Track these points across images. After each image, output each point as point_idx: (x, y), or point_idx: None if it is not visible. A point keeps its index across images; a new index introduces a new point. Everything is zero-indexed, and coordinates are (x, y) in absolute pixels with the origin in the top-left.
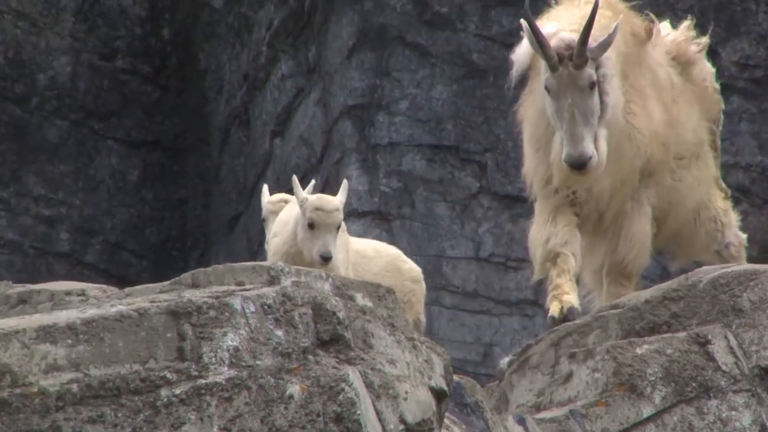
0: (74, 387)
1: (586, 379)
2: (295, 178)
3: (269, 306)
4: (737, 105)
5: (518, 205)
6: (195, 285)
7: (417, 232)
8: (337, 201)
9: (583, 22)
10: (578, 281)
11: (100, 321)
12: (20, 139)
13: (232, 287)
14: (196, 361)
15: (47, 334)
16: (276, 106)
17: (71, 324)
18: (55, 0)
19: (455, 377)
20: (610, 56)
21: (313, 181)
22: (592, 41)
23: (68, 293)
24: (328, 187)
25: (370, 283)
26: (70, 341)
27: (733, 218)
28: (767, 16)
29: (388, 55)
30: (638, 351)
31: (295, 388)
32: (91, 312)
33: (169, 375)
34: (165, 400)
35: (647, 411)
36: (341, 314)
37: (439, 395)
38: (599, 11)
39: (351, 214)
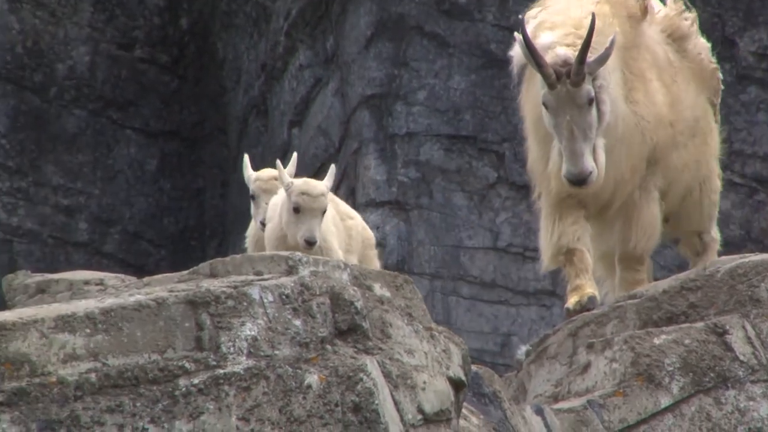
0: (93, 376)
1: (603, 369)
2: (279, 162)
3: (287, 296)
4: (755, 95)
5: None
6: (213, 275)
7: (435, 222)
8: (322, 186)
9: (579, 31)
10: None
11: (118, 310)
12: (39, 129)
13: (251, 277)
14: (215, 351)
15: (66, 323)
16: (294, 96)
17: (90, 313)
18: None
19: (473, 367)
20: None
21: (333, 167)
22: (589, 54)
23: (87, 283)
24: (346, 177)
25: (389, 273)
26: (88, 331)
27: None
28: None
29: (406, 45)
30: (656, 341)
31: (313, 378)
32: (109, 301)
33: (187, 365)
34: (183, 389)
35: (665, 401)
36: (359, 304)
37: (457, 385)
38: (596, 6)
39: (369, 203)
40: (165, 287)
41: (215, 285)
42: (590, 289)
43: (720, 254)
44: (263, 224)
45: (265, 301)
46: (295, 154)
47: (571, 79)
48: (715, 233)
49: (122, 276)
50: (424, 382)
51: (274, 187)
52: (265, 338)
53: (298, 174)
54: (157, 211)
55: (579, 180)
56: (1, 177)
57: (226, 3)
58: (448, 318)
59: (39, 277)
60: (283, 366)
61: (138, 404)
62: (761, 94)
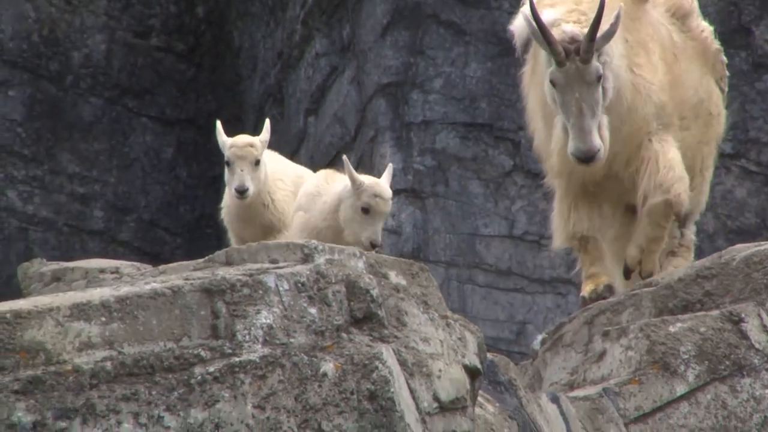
0: (108, 365)
1: (619, 357)
2: (346, 159)
3: (303, 284)
4: None
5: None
6: (229, 263)
7: (451, 210)
8: (390, 190)
9: (580, 7)
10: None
11: (133, 299)
12: (55, 117)
13: (266, 265)
14: (230, 339)
15: (81, 311)
16: (310, 84)
17: (105, 302)
18: None
19: (489, 355)
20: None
21: (390, 166)
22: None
23: (102, 271)
24: (362, 165)
25: (404, 261)
26: (104, 319)
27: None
28: None
29: (423, 33)
30: (671, 329)
31: (328, 366)
32: (125, 290)
33: (202, 353)
34: (199, 377)
35: (680, 389)
36: (375, 292)
37: (472, 373)
38: None
39: None
40: (180, 275)
41: (231, 273)
42: (606, 277)
43: (735, 242)
44: (238, 192)
45: (281, 289)
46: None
47: (581, 56)
48: (692, 233)
49: (138, 264)
50: (440, 370)
51: (249, 154)
52: (281, 326)
53: (314, 162)
54: (173, 199)
55: (587, 157)
56: (16, 165)
57: None
58: (463, 306)
59: (54, 266)
60: (299, 354)
61: (153, 392)
62: None
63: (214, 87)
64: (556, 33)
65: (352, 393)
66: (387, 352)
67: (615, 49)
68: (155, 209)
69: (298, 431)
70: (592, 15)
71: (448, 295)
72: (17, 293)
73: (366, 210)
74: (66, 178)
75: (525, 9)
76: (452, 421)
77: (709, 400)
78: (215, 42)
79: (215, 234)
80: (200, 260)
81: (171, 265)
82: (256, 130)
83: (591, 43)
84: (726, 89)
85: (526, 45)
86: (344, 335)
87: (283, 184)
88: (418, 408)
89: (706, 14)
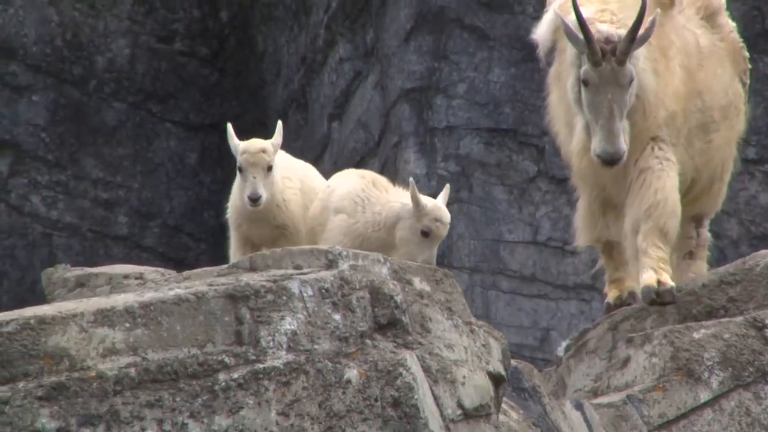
0: (132, 371)
1: (643, 363)
2: (412, 182)
3: (327, 290)
4: None
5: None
6: (253, 269)
7: (475, 215)
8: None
9: (610, 6)
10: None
11: (158, 304)
12: (78, 122)
13: (290, 271)
14: (254, 345)
15: (105, 317)
16: (334, 89)
17: (129, 307)
18: None
19: (513, 362)
20: None
21: (447, 186)
22: (619, 30)
23: (126, 277)
24: (386, 170)
25: (428, 267)
26: (128, 325)
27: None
28: None
29: (446, 38)
30: (695, 335)
31: (352, 373)
32: (149, 295)
33: (227, 359)
34: (223, 384)
35: (704, 396)
36: (399, 298)
37: (496, 380)
38: None
39: None
40: (205, 281)
41: (255, 279)
42: (630, 282)
43: (759, 248)
44: (251, 200)
45: (305, 295)
46: (279, 123)
47: (617, 57)
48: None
49: (162, 270)
50: (464, 377)
51: (262, 161)
52: (305, 332)
53: (338, 167)
54: (197, 205)
55: (614, 159)
56: (40, 170)
57: None
58: (487, 312)
59: (78, 271)
60: (323, 360)
61: (177, 399)
62: None
63: (237, 92)
64: (599, 36)
65: (376, 400)
66: (411, 359)
67: (641, 52)
68: (179, 215)
69: None
70: (622, 15)
71: (472, 301)
72: (41, 299)
73: (426, 233)
74: (90, 183)
75: (556, 8)
76: (476, 428)
77: (733, 407)
78: (239, 47)
79: None
80: (224, 266)
81: (195, 270)
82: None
83: (629, 45)
84: (748, 82)
85: (551, 52)
86: (368, 342)
87: (291, 182)
88: (442, 415)
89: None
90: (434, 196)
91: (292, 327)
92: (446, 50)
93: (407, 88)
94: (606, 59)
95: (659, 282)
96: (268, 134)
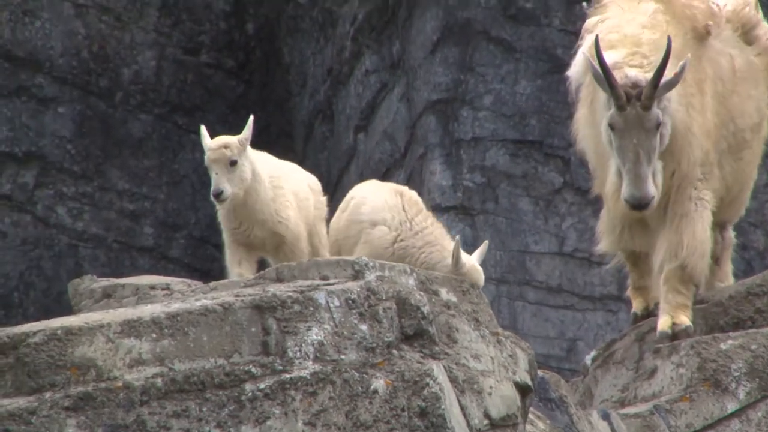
0: (159, 381)
1: (670, 374)
2: (457, 241)
3: (354, 300)
4: None
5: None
6: (279, 279)
7: (501, 227)
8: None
9: (641, 49)
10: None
11: (184, 315)
12: (105, 134)
13: (317, 281)
14: (281, 356)
15: (132, 328)
16: (360, 101)
17: (156, 318)
18: None
19: (539, 372)
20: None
21: (486, 243)
22: (647, 74)
23: (153, 287)
24: (412, 181)
25: (455, 278)
26: (154, 335)
27: None
28: None
29: (473, 50)
30: (722, 346)
31: (379, 383)
32: (175, 306)
33: (253, 369)
34: (250, 394)
35: (731, 406)
36: (426, 309)
37: (523, 390)
38: (654, 10)
39: (435, 208)
40: (231, 292)
41: (281, 290)
42: (656, 293)
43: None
44: (214, 196)
45: (332, 305)
46: (251, 118)
47: (642, 102)
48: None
49: (188, 281)
50: (491, 387)
51: (223, 156)
52: (332, 343)
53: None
54: None
55: (641, 204)
56: (66, 182)
57: (292, 8)
58: (514, 323)
59: (105, 282)
60: (350, 371)
61: (204, 409)
62: None
63: (263, 104)
64: (618, 76)
65: (402, 410)
66: (438, 369)
67: (674, 93)
68: (205, 226)
69: None
70: (653, 58)
71: (499, 312)
72: (68, 310)
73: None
74: (116, 194)
75: (585, 50)
76: None
77: (760, 418)
78: (265, 58)
79: None
80: (251, 277)
81: (222, 281)
82: (306, 147)
83: (653, 90)
84: None
85: (580, 89)
86: (395, 352)
87: (282, 190)
88: (468, 425)
89: None
90: (461, 207)
91: (319, 337)
92: (472, 62)
93: (433, 100)
94: (631, 104)
95: (674, 324)
96: (294, 146)
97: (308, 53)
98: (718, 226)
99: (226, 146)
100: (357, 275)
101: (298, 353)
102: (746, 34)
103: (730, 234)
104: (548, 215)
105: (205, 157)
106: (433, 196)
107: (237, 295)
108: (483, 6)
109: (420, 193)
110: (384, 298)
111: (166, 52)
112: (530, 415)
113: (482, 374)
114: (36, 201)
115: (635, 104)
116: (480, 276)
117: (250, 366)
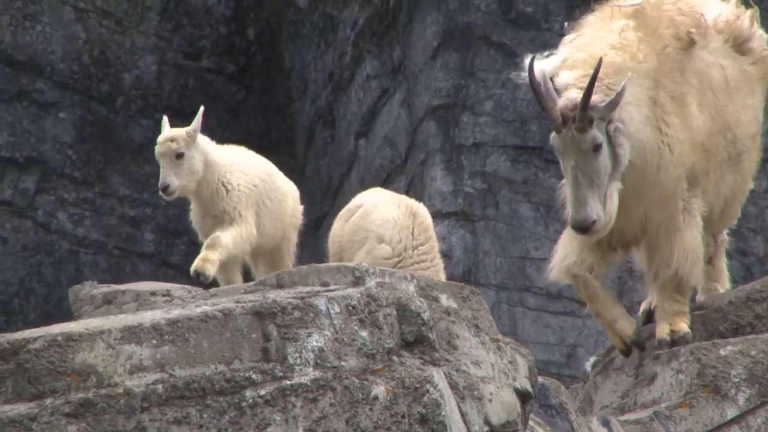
0: (159, 387)
1: (670, 380)
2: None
3: (354, 307)
4: None
5: None
6: (280, 285)
7: (501, 233)
8: None
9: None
10: None
11: (185, 321)
12: (105, 139)
13: (317, 288)
14: (281, 362)
15: (132, 334)
16: (361, 106)
17: (156, 324)
18: None
19: (540, 378)
20: (624, 100)
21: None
22: (594, 96)
23: (153, 294)
24: (413, 187)
25: (455, 284)
26: (155, 342)
27: None
28: None
29: (473, 54)
30: (722, 352)
31: (380, 389)
32: (176, 312)
33: (254, 376)
34: (250, 401)
35: (731, 412)
36: (426, 315)
37: (523, 396)
38: (631, 27)
39: (435, 214)
40: (231, 298)
41: (282, 296)
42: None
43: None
44: (161, 190)
45: (332, 312)
46: (201, 109)
47: (576, 124)
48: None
49: (189, 287)
50: (491, 394)
51: (169, 150)
52: (332, 349)
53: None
54: None
55: (582, 227)
56: (67, 187)
57: (293, 12)
58: (514, 329)
59: (105, 288)
60: (350, 377)
61: (205, 415)
62: None
63: (264, 109)
64: (562, 99)
65: (403, 416)
66: (438, 376)
67: (636, 113)
68: None
69: None
70: (609, 81)
71: (499, 318)
72: (68, 316)
73: None
74: (116, 200)
75: (536, 72)
76: None
77: (760, 424)
78: (266, 63)
79: None
80: (251, 283)
81: (222, 288)
82: (307, 152)
83: (584, 112)
84: None
85: None
86: (395, 358)
87: (245, 176)
88: (469, 431)
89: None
90: (461, 213)
91: (319, 344)
92: (473, 67)
93: (434, 105)
94: (567, 126)
95: (672, 331)
96: (295, 151)
97: (309, 58)
98: (712, 233)
99: (172, 139)
100: (357, 281)
101: (299, 359)
102: (739, 46)
103: (723, 235)
104: (549, 221)
105: (155, 151)
106: (434, 202)
107: (237, 302)
108: (483, 11)
109: (421, 199)
110: (384, 304)
111: (167, 57)
112: (530, 422)
113: (482, 381)
114: (37, 207)
115: (571, 126)
116: None
117: (251, 372)
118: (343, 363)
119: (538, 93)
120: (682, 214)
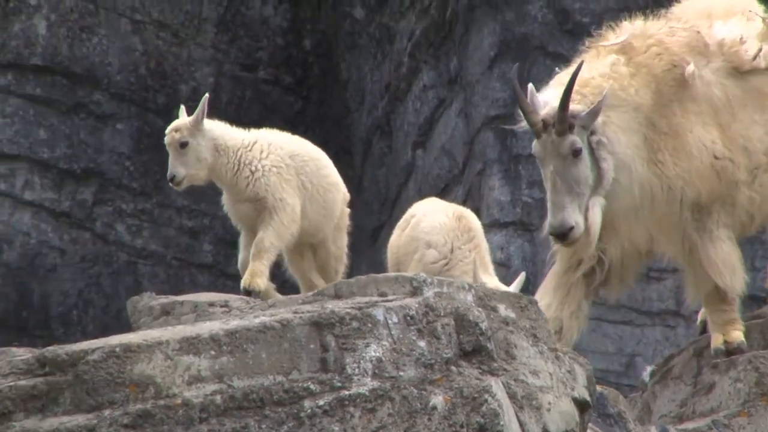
0: (218, 398)
1: (728, 389)
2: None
3: (412, 317)
4: None
5: None
6: (338, 296)
7: None
8: None
9: (583, 89)
10: None
11: (243, 332)
12: (163, 151)
13: (375, 298)
14: (340, 372)
15: (190, 345)
16: (418, 116)
17: (214, 335)
18: (197, 11)
19: (598, 388)
20: (610, 120)
21: (522, 275)
22: (577, 106)
23: (211, 305)
24: (471, 197)
25: (513, 294)
26: (213, 352)
27: None
28: None
29: (530, 64)
30: None
31: (438, 399)
32: (234, 323)
33: (312, 386)
34: (309, 411)
35: None
36: (484, 325)
37: (582, 406)
38: (622, 62)
39: (493, 224)
40: (290, 309)
41: (340, 306)
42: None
43: None
44: (170, 182)
45: (390, 322)
46: (206, 96)
47: (555, 127)
48: None
49: (247, 298)
50: (549, 403)
51: (173, 140)
52: (390, 359)
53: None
54: None
55: (558, 233)
56: (125, 199)
57: (349, 24)
58: None
59: (164, 299)
60: (408, 387)
61: (263, 426)
62: None
63: (321, 120)
64: (547, 108)
65: (461, 426)
66: (496, 385)
67: (623, 137)
68: None
69: None
70: (592, 98)
71: None
72: (127, 327)
73: None
74: (174, 211)
75: (517, 85)
76: None
77: None
78: (323, 75)
79: None
80: (309, 294)
81: (280, 298)
82: (364, 163)
83: (563, 113)
84: None
85: None
86: (453, 368)
87: (272, 155)
88: None
89: None
90: (520, 223)
91: (377, 354)
92: (530, 77)
93: (491, 116)
94: (547, 131)
95: (726, 341)
96: (352, 162)
97: (366, 69)
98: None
99: (176, 129)
100: (415, 291)
101: (357, 370)
102: (737, 69)
103: None
104: None
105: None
106: (492, 212)
107: (295, 312)
108: (540, 21)
109: (479, 209)
110: (442, 314)
111: (224, 69)
112: (589, 431)
113: (541, 390)
114: (95, 218)
115: (551, 131)
116: None
117: (309, 383)
118: (401, 373)
119: (521, 99)
120: (696, 233)
